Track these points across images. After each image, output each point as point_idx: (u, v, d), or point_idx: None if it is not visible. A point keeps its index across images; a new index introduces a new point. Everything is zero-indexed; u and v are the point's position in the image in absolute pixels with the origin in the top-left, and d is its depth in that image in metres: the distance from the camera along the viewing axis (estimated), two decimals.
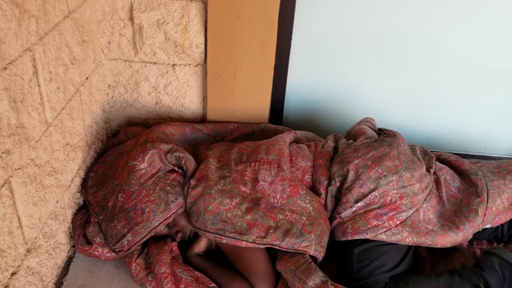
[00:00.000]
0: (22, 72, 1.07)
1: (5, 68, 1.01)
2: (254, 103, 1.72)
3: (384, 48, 1.76)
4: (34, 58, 1.12)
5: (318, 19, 1.70)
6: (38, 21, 1.13)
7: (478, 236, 1.49)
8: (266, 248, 1.33)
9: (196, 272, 1.34)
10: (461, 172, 1.53)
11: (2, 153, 1.02)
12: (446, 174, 1.50)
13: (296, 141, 1.61)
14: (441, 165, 1.53)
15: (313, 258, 1.33)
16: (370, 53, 1.78)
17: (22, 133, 1.10)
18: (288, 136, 1.55)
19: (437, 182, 1.47)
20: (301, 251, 1.29)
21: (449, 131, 1.97)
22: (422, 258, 1.46)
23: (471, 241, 1.50)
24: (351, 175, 1.37)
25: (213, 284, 1.32)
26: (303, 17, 1.68)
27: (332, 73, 1.84)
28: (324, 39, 1.75)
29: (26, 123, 1.11)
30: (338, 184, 1.40)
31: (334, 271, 1.41)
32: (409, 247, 1.37)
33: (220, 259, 1.40)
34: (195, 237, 1.44)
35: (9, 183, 1.06)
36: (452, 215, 1.40)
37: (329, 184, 1.41)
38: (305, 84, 1.87)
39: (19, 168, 1.10)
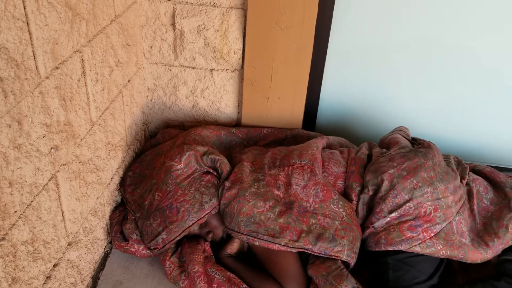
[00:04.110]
0: (72, 72, 1.12)
1: (57, 68, 1.06)
2: (288, 109, 1.73)
3: (418, 57, 1.75)
4: (82, 59, 1.17)
5: (354, 27, 1.71)
6: (88, 24, 1.18)
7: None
8: (298, 252, 1.34)
9: (228, 273, 1.36)
10: (496, 183, 1.50)
11: (51, 148, 1.07)
12: (479, 185, 1.47)
13: (329, 146, 1.61)
14: (474, 176, 1.50)
15: (345, 264, 1.33)
16: (404, 62, 1.77)
17: (69, 131, 1.14)
18: (320, 142, 1.55)
19: (469, 193, 1.44)
20: (333, 256, 1.29)
21: (484, 142, 1.93)
22: (454, 270, 1.43)
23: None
24: (386, 184, 1.36)
25: (244, 285, 1.33)
26: (338, 25, 1.69)
27: (366, 81, 1.84)
28: (358, 47, 1.76)
29: (73, 121, 1.16)
30: (371, 192, 1.39)
31: (365, 279, 1.40)
32: (442, 258, 1.35)
33: (252, 262, 1.42)
34: (227, 239, 1.45)
35: (55, 177, 1.10)
36: (481, 230, 1.38)
37: (361, 191, 1.40)
38: (339, 91, 1.87)
39: (65, 164, 1.14)
